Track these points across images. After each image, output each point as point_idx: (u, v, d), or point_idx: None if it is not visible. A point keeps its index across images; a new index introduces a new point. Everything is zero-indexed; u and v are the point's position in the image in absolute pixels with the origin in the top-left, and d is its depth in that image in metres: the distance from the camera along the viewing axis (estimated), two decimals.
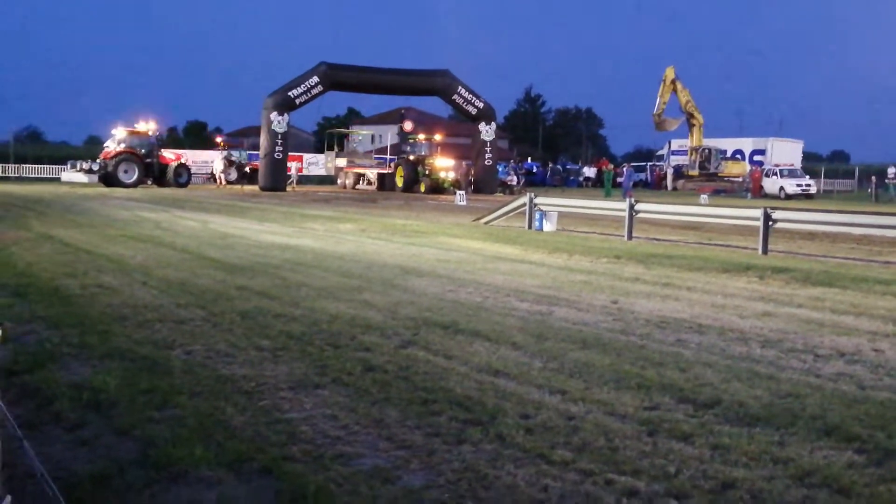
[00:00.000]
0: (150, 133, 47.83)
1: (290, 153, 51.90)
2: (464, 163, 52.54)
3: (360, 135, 67.23)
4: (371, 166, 56.29)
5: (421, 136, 52.08)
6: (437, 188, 47.54)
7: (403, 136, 56.84)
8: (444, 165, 49.08)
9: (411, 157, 50.44)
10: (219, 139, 65.20)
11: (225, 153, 58.23)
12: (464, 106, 52.31)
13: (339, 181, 57.29)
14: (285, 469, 4.74)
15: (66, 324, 8.49)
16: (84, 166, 49.59)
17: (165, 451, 4.93)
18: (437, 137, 51.32)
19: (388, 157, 57.63)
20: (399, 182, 49.81)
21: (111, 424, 5.46)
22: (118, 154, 45.70)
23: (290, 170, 52.57)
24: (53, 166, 63.10)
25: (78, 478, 4.59)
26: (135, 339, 7.90)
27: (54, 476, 4.43)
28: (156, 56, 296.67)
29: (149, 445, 5.06)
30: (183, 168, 48.95)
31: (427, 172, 48.74)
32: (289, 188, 49.48)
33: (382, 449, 5.13)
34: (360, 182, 55.35)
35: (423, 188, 47.98)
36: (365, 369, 6.90)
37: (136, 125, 47.56)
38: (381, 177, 53.03)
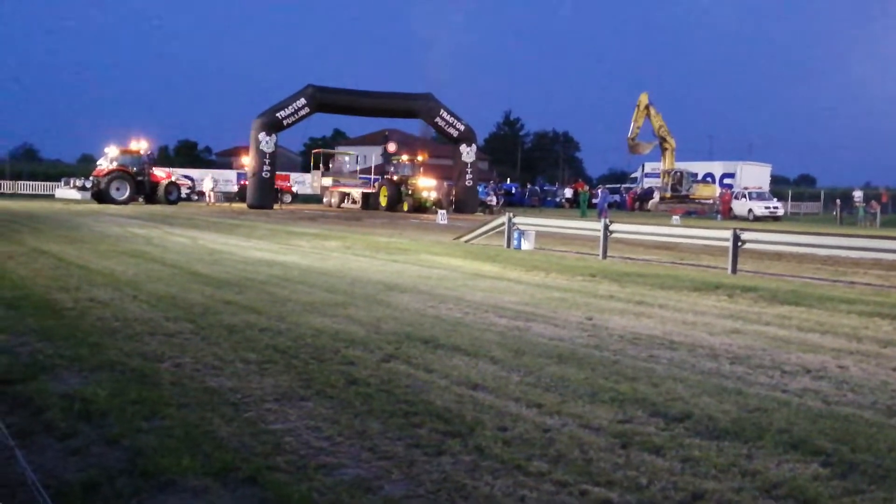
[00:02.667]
0: (141, 152, 47.94)
1: (277, 172, 52.33)
2: (445, 183, 52.72)
3: (347, 155, 67.41)
4: (356, 186, 56.50)
5: (404, 157, 52.11)
6: (420, 207, 47.61)
7: (387, 156, 57.11)
8: (427, 185, 49.18)
9: (395, 178, 50.64)
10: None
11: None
12: (445, 128, 52.63)
13: (324, 200, 57.45)
14: (270, 478, 4.79)
15: (59, 336, 8.54)
16: (77, 183, 50.02)
17: (154, 460, 4.97)
18: (420, 158, 51.43)
19: (373, 177, 57.87)
20: (383, 201, 49.98)
21: (101, 434, 5.49)
22: (110, 172, 45.85)
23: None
24: (48, 183, 63.48)
25: (68, 486, 4.62)
26: (125, 351, 7.96)
27: (45, 484, 4.53)
28: (148, 77, 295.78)
29: (137, 455, 5.09)
30: (173, 186, 49.13)
31: (410, 192, 48.81)
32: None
33: (364, 459, 5.17)
34: (346, 201, 55.51)
35: (405, 207, 48.09)
36: (348, 382, 6.99)
37: (128, 144, 47.78)
38: (365, 196, 53.18)
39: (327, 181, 57.84)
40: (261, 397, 6.52)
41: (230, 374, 7.26)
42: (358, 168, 67.21)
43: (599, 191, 57.85)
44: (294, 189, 62.12)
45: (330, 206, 55.61)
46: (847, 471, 5.19)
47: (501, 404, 6.49)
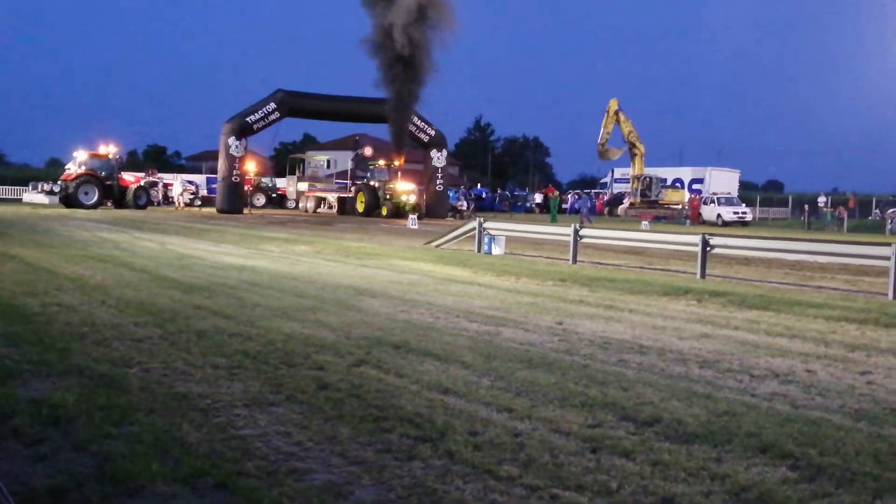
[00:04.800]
0: (110, 156, 47.78)
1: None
2: (416, 188, 52.58)
3: (321, 160, 67.37)
4: (332, 191, 56.06)
5: (381, 162, 51.63)
6: (399, 212, 47.02)
7: (359, 161, 56.89)
8: (406, 189, 48.74)
9: (372, 183, 50.16)
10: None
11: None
12: (416, 133, 52.60)
13: (300, 205, 57.24)
14: (240, 484, 4.77)
15: (26, 341, 8.46)
16: (45, 188, 49.93)
17: (122, 466, 4.93)
18: (397, 163, 50.79)
19: (348, 181, 57.63)
20: (360, 207, 49.48)
21: (69, 440, 5.46)
22: (79, 176, 45.65)
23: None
24: (15, 187, 63.13)
25: (36, 492, 4.58)
26: (93, 356, 7.90)
27: (13, 490, 4.49)
28: (117, 81, 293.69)
29: (106, 460, 5.05)
30: (142, 190, 48.99)
31: (388, 197, 48.37)
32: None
33: (335, 465, 5.17)
34: (322, 206, 55.15)
35: (384, 212, 47.58)
36: (318, 387, 6.97)
37: (97, 148, 47.70)
38: (341, 201, 52.75)
39: (303, 186, 57.64)
40: (230, 402, 6.50)
41: (199, 379, 7.23)
42: (328, 173, 67.02)
43: (570, 196, 58.23)
44: None
45: (306, 211, 55.19)
46: (815, 474, 5.23)
47: (472, 409, 6.50)
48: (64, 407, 6.13)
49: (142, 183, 50.15)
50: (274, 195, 61.39)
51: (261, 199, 60.36)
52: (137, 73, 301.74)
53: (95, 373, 7.26)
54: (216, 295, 12.33)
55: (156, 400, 6.48)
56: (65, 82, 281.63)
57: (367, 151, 57.05)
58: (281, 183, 63.67)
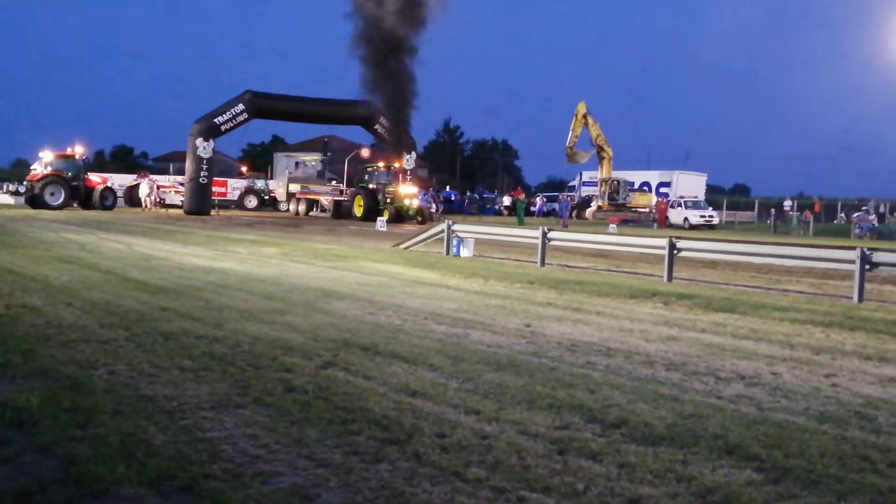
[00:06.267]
0: (77, 157, 47.46)
1: (215, 178, 52.20)
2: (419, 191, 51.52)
3: (315, 160, 66.79)
4: (326, 193, 54.64)
5: (381, 164, 50.14)
6: (402, 217, 45.10)
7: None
8: (409, 193, 46.90)
9: (371, 186, 48.73)
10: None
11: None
12: (385, 135, 52.38)
13: (290, 207, 55.73)
14: (206, 487, 4.74)
15: None
16: (11, 188, 49.67)
17: (87, 468, 4.89)
18: (398, 165, 49.45)
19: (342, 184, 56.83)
20: (358, 211, 47.80)
21: (34, 442, 5.40)
22: (45, 177, 45.30)
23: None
24: None
25: (0, 495, 4.53)
26: (58, 358, 7.82)
27: None
28: (82, 81, 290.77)
29: (71, 463, 5.01)
30: (109, 191, 48.69)
31: (390, 200, 46.39)
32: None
33: (302, 467, 5.15)
34: (314, 209, 53.92)
35: (386, 216, 44.17)
36: (286, 390, 6.95)
37: (65, 149, 47.43)
38: (337, 204, 51.36)
39: (294, 187, 56.49)
40: (197, 405, 6.46)
41: (166, 381, 7.18)
42: (295, 174, 66.36)
43: (538, 198, 58.42)
44: None
45: (297, 214, 53.46)
46: (780, 476, 5.27)
47: (440, 411, 6.51)
48: (28, 409, 6.07)
49: (108, 184, 49.88)
50: (266, 197, 60.91)
51: (252, 202, 60.00)
52: (104, 73, 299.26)
53: (61, 375, 7.19)
54: (183, 297, 12.26)
55: (121, 402, 6.42)
56: (30, 82, 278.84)
57: (364, 153, 56.34)
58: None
